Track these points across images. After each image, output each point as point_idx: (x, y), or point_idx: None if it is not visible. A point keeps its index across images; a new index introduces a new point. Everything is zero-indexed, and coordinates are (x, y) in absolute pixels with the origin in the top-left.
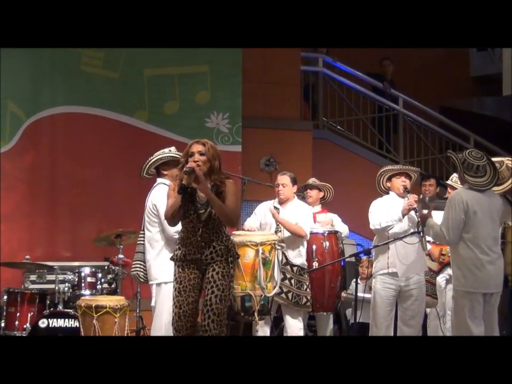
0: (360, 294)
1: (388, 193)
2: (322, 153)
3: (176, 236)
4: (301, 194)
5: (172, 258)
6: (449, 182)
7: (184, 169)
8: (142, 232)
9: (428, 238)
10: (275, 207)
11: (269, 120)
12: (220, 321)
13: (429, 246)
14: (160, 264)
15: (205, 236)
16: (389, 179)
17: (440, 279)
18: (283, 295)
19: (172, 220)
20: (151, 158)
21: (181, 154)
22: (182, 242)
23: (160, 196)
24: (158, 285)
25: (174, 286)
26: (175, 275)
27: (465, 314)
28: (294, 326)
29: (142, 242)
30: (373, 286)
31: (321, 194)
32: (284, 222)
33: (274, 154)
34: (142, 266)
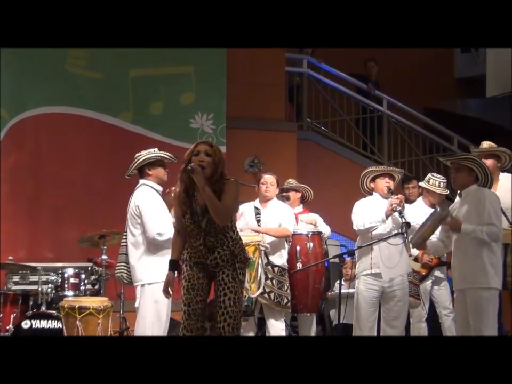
0: (344, 291)
1: (371, 194)
2: (307, 154)
3: (159, 238)
4: (285, 196)
5: (182, 260)
6: (424, 184)
7: (187, 167)
8: (125, 233)
9: None
10: (255, 207)
11: (253, 121)
12: (236, 325)
13: (416, 251)
14: (144, 266)
15: (208, 243)
16: (373, 180)
17: (427, 282)
18: (266, 295)
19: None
20: (139, 157)
21: (166, 153)
22: (189, 244)
23: (143, 197)
24: (142, 286)
25: (182, 284)
26: (183, 273)
27: (496, 313)
28: (277, 327)
29: (125, 243)
30: (356, 286)
31: (299, 194)
32: (267, 231)
33: (258, 155)
34: (125, 268)
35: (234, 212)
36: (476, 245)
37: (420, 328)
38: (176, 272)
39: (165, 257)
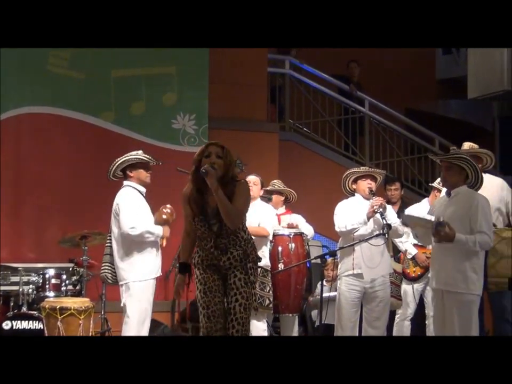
0: (326, 294)
1: (353, 195)
2: (289, 155)
3: (131, 233)
4: (267, 196)
5: (193, 264)
6: (436, 185)
7: (201, 169)
8: (110, 234)
9: (414, 241)
10: None
11: (235, 122)
12: (244, 331)
13: (415, 250)
14: (128, 265)
15: (220, 245)
16: (355, 181)
17: (421, 283)
18: None
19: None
20: (117, 160)
21: (147, 156)
22: (200, 246)
23: (124, 196)
24: (127, 285)
25: (198, 287)
26: (197, 277)
27: (477, 317)
28: (259, 328)
29: (110, 244)
30: (338, 287)
31: (283, 196)
32: None
33: (240, 156)
34: (110, 268)
35: (246, 213)
36: (461, 249)
37: (403, 327)
38: (186, 274)
39: (149, 256)
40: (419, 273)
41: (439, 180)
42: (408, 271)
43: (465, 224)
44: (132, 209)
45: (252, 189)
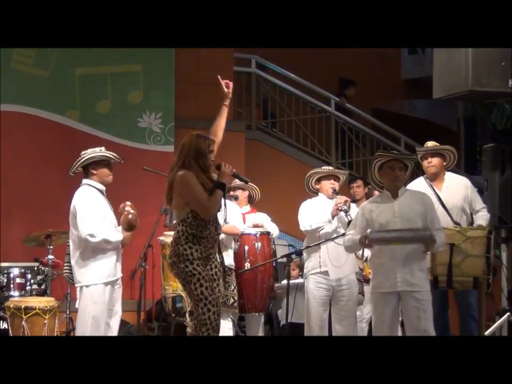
0: (293, 281)
1: (317, 194)
2: (255, 154)
3: (90, 239)
4: (233, 195)
5: (185, 259)
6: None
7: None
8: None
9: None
10: None
11: (201, 121)
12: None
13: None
14: (82, 267)
15: (217, 231)
16: (318, 181)
17: None
18: None
19: (214, 215)
20: (83, 155)
21: (112, 154)
22: (194, 240)
23: (81, 197)
24: (81, 288)
25: (202, 285)
26: (199, 274)
27: None
28: (224, 326)
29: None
30: (306, 286)
31: (246, 193)
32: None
33: None
34: (70, 268)
35: None
36: (416, 250)
37: (360, 328)
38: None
39: (105, 259)
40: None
41: None
42: (364, 272)
43: (424, 222)
44: (90, 213)
45: None
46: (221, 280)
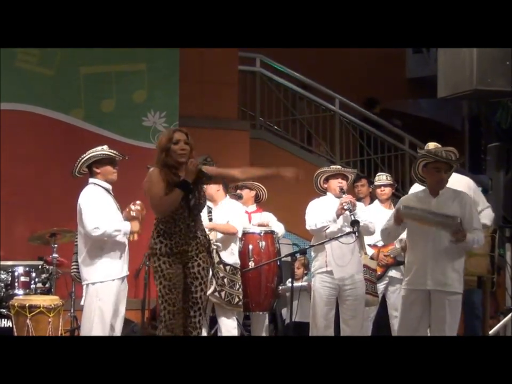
0: (297, 284)
1: (325, 193)
2: (259, 153)
3: (95, 233)
4: (238, 194)
5: (153, 253)
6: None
7: (198, 168)
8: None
9: (369, 241)
10: (208, 206)
11: (206, 120)
12: (203, 318)
13: (371, 250)
14: (88, 265)
15: (191, 228)
16: (326, 180)
17: (382, 282)
18: (216, 293)
19: (165, 213)
20: (84, 156)
21: (114, 152)
22: (165, 235)
23: (86, 195)
24: (87, 285)
25: (161, 282)
26: (161, 271)
27: None
28: (228, 325)
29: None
30: (312, 284)
31: (253, 193)
32: (212, 226)
33: (211, 153)
34: (77, 267)
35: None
36: (451, 248)
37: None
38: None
39: (111, 256)
40: (379, 272)
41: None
42: (379, 272)
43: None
44: (94, 209)
45: (219, 188)
46: (206, 279)
